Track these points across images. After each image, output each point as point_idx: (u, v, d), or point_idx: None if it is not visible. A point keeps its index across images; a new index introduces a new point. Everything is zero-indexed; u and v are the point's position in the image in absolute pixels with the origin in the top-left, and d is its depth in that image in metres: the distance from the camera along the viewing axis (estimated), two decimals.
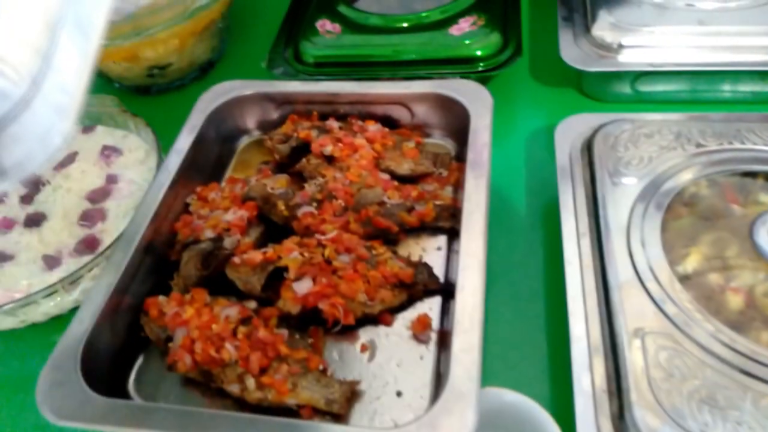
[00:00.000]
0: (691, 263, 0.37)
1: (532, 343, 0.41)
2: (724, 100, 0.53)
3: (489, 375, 0.39)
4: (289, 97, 0.51)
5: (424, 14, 0.58)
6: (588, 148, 0.44)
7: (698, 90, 0.53)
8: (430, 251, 0.44)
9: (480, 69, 0.55)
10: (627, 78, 0.53)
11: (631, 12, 0.53)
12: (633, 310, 0.34)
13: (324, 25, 0.60)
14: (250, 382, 0.34)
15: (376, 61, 0.57)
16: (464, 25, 0.57)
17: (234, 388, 0.35)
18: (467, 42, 0.55)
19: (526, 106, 0.58)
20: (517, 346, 0.41)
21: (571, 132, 0.46)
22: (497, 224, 0.47)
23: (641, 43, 0.51)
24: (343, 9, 0.61)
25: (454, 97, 0.48)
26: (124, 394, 0.37)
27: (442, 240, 0.45)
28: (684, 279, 0.36)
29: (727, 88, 0.52)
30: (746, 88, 0.52)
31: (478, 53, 0.55)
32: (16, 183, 0.42)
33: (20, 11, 0.22)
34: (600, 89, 0.55)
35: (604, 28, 0.53)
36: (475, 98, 0.47)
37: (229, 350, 0.35)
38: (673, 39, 0.51)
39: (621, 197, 0.40)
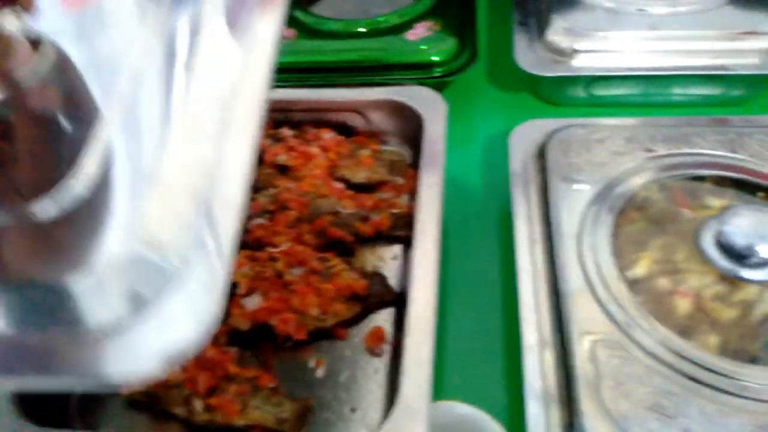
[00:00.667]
0: (641, 268, 0.37)
1: (490, 353, 0.41)
2: (675, 103, 0.54)
3: (446, 388, 0.38)
4: None
5: (380, 19, 0.57)
6: (541, 154, 0.44)
7: (651, 93, 0.54)
8: (387, 261, 0.44)
9: (436, 74, 0.54)
10: (581, 82, 0.53)
11: (585, 17, 0.53)
12: (584, 317, 0.34)
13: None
14: (198, 404, 0.33)
15: (332, 67, 0.56)
16: (420, 30, 0.56)
17: (180, 411, 0.34)
18: (423, 47, 0.55)
19: (483, 111, 0.58)
20: (474, 357, 0.41)
21: (525, 138, 0.46)
22: (454, 233, 0.47)
23: (594, 48, 0.52)
24: (298, 14, 0.60)
25: (409, 104, 0.48)
26: (64, 422, 0.35)
27: (398, 249, 0.44)
28: (634, 284, 0.37)
29: (678, 91, 0.53)
30: (696, 91, 0.53)
31: (435, 58, 0.55)
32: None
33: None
34: (555, 93, 0.55)
35: (558, 33, 0.53)
36: (429, 105, 0.47)
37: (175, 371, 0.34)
38: (626, 44, 0.52)
39: (573, 203, 0.40)
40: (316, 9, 0.61)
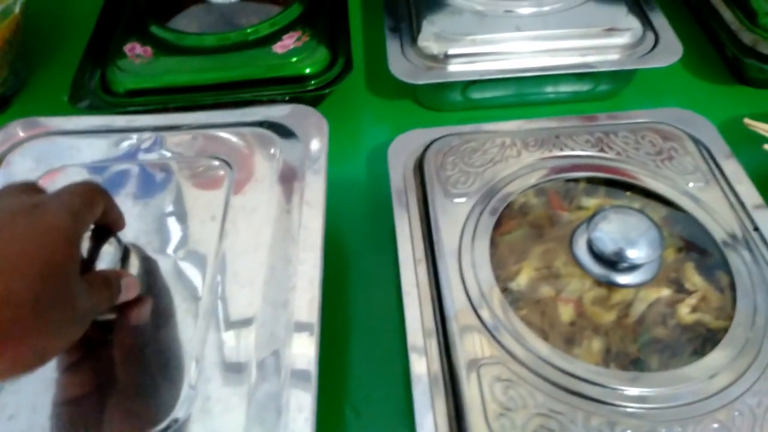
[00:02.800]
0: (523, 278, 0.37)
1: (389, 385, 0.39)
2: (549, 101, 0.55)
3: (342, 428, 0.36)
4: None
5: (245, 32, 0.54)
6: (419, 167, 0.43)
7: (524, 93, 0.54)
8: None
9: (310, 88, 0.52)
10: (457, 88, 0.52)
11: (454, 21, 0.53)
12: (469, 341, 0.33)
13: (133, 48, 0.53)
14: None
15: (197, 86, 0.52)
16: (288, 41, 0.53)
17: None
18: (293, 60, 0.52)
19: (366, 122, 0.56)
20: (372, 391, 0.39)
21: (403, 151, 0.44)
22: (342, 259, 0.45)
23: (466, 52, 0.51)
24: (155, 29, 0.55)
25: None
26: None
27: None
28: (517, 296, 0.36)
29: (550, 90, 0.54)
30: (567, 88, 0.54)
31: (307, 71, 0.52)
32: None
33: None
34: (434, 100, 0.55)
35: (429, 38, 0.52)
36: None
37: None
38: (495, 46, 0.51)
39: (453, 218, 0.39)
40: (174, 23, 0.56)
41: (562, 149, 0.42)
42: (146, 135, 0.43)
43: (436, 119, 0.55)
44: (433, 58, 0.51)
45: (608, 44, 0.51)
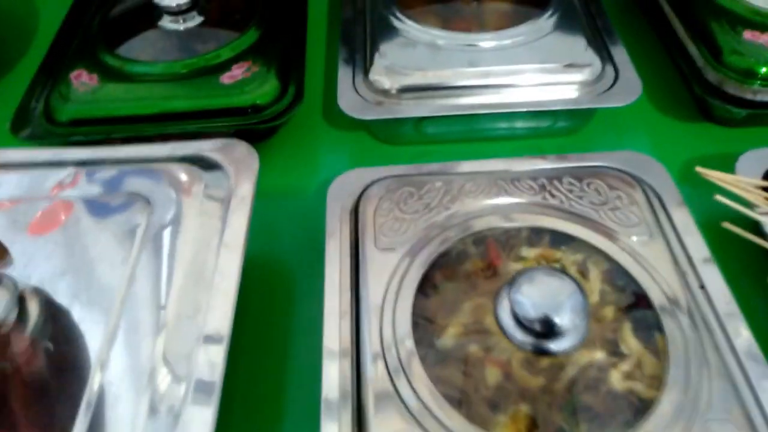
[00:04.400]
0: (449, 336, 0.35)
1: None
2: (505, 137, 0.53)
3: None
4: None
5: (191, 61, 0.52)
6: (355, 211, 0.41)
7: (480, 129, 0.52)
8: None
9: (256, 120, 0.50)
10: (409, 123, 0.51)
11: (407, 54, 0.51)
12: (382, 412, 0.31)
13: (80, 75, 0.52)
14: None
15: (142, 116, 0.50)
16: (237, 72, 0.52)
17: None
18: (240, 91, 0.50)
19: (319, 155, 0.54)
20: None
21: (343, 191, 0.43)
22: (268, 302, 0.43)
23: (418, 86, 0.50)
24: (103, 56, 0.53)
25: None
26: None
27: None
28: (443, 355, 0.34)
29: (505, 126, 0.52)
30: (523, 125, 0.52)
31: (255, 102, 0.51)
32: None
33: None
34: (388, 133, 0.53)
35: (380, 72, 0.50)
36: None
37: None
38: (449, 81, 0.50)
39: (381, 269, 0.37)
40: (126, 49, 0.55)
41: (502, 195, 0.41)
42: (67, 170, 0.41)
43: (389, 153, 0.53)
44: (385, 92, 0.50)
45: (566, 80, 0.50)
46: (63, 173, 0.41)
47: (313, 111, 0.57)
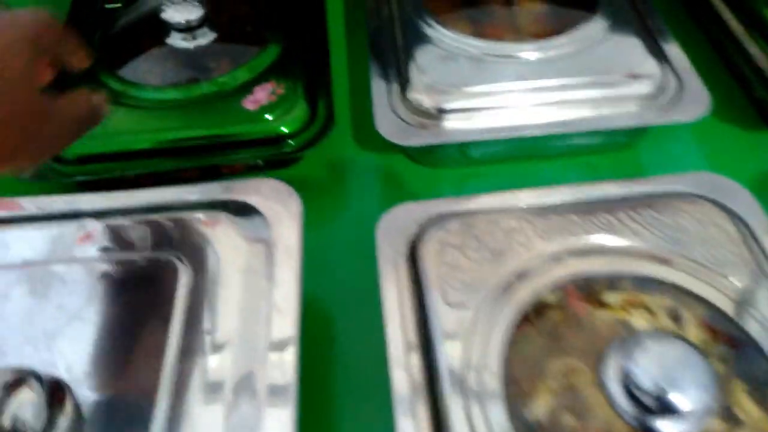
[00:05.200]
0: (540, 404, 0.31)
1: None
2: (556, 155, 0.49)
3: None
4: None
5: (213, 82, 0.47)
6: (413, 257, 0.36)
7: (529, 148, 0.48)
8: None
9: (287, 149, 0.45)
10: (453, 146, 0.46)
11: (446, 69, 0.46)
12: None
13: None
14: None
15: (156, 149, 0.45)
16: (261, 95, 0.46)
17: None
18: (267, 118, 0.45)
19: (350, 181, 0.49)
20: None
21: (393, 232, 0.38)
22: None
23: (462, 106, 0.45)
24: (107, 80, 0.48)
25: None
26: None
27: None
28: (533, 427, 0.30)
29: (557, 144, 0.48)
30: (577, 142, 0.48)
31: (283, 129, 0.46)
32: None
33: None
34: (428, 157, 0.48)
35: (420, 90, 0.45)
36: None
37: None
38: (496, 98, 0.45)
39: (454, 329, 0.33)
40: (131, 70, 0.49)
41: (577, 234, 0.36)
42: (87, 223, 0.36)
43: (431, 178, 0.48)
44: (425, 113, 0.45)
45: (625, 93, 0.45)
46: (80, 229, 0.36)
47: (342, 131, 0.52)
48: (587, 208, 0.38)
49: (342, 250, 0.44)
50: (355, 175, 0.50)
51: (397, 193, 0.48)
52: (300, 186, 0.39)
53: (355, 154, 0.51)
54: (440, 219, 0.38)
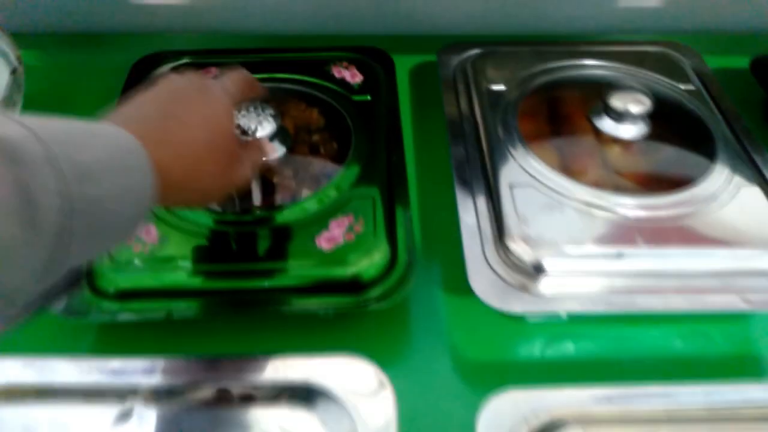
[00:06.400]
0: None
1: None
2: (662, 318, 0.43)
3: None
4: None
5: (282, 213, 0.41)
6: None
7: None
8: None
9: (367, 298, 0.39)
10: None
11: (553, 221, 0.40)
12: None
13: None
14: None
15: (212, 291, 0.39)
16: (337, 231, 0.41)
17: None
18: (347, 259, 0.39)
19: (419, 330, 0.42)
20: None
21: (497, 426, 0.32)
22: None
23: (574, 270, 0.38)
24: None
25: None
26: None
27: None
28: None
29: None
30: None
31: (362, 276, 0.39)
32: None
33: None
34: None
35: (520, 242, 0.39)
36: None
37: None
38: (610, 261, 0.39)
39: None
40: None
41: None
42: (136, 405, 0.30)
43: (518, 332, 0.42)
44: (525, 270, 0.39)
45: (760, 269, 0.39)
46: (130, 409, 0.29)
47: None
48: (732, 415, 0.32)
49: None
50: (423, 321, 0.43)
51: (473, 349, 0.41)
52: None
53: (443, 300, 0.44)
54: (562, 423, 0.31)
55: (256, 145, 0.40)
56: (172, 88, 0.32)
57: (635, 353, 0.41)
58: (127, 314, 0.38)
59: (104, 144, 0.24)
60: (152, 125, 0.29)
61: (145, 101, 0.31)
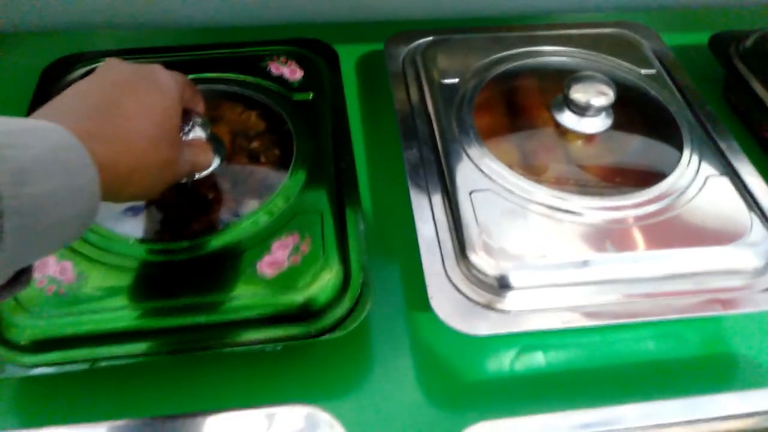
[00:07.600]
0: None
1: None
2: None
3: None
4: None
5: (217, 238, 0.37)
6: None
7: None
8: None
9: (317, 330, 0.35)
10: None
11: (514, 228, 0.37)
12: None
13: (45, 265, 0.35)
14: None
15: (138, 330, 0.34)
16: (280, 254, 0.37)
17: None
18: (293, 286, 0.35)
19: (380, 350, 0.39)
20: None
21: None
22: None
23: (535, 284, 0.36)
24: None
25: None
26: None
27: None
28: None
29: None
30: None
31: (312, 303, 0.36)
32: None
33: None
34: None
35: (483, 255, 0.36)
36: None
37: None
38: (577, 271, 0.36)
39: None
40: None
41: None
42: None
43: (480, 349, 0.39)
44: (487, 284, 0.36)
45: (725, 268, 0.37)
46: None
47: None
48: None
49: None
50: (382, 342, 0.39)
51: (446, 371, 0.39)
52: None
53: (384, 316, 0.41)
54: None
55: (200, 145, 0.37)
56: (114, 76, 0.31)
57: (608, 360, 0.39)
58: (43, 368, 0.33)
59: (39, 141, 0.23)
60: (95, 118, 0.28)
61: (88, 92, 0.29)
